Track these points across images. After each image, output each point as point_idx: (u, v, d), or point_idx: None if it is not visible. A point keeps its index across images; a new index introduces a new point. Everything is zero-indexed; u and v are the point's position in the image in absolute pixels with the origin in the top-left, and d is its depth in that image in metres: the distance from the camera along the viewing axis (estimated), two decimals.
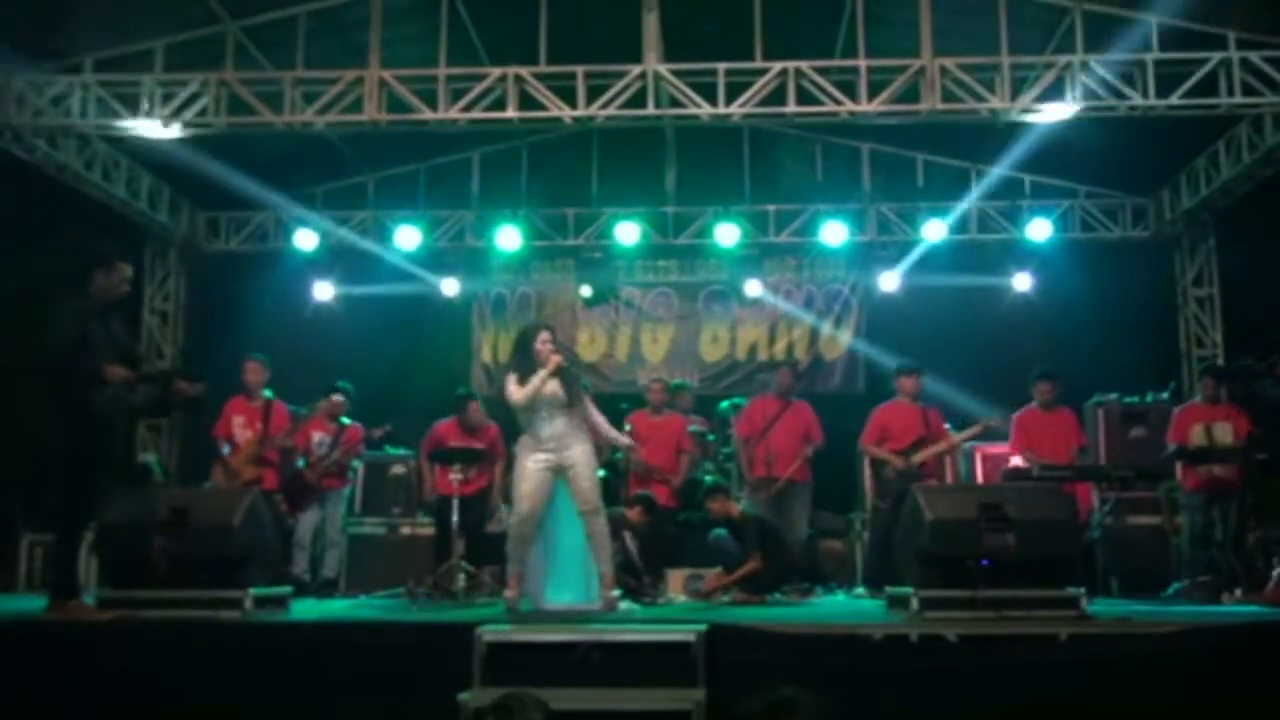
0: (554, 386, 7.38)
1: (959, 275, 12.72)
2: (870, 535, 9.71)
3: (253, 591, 6.64)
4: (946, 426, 9.48)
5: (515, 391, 7.37)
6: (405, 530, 10.47)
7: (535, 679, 5.62)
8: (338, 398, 10.08)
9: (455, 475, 8.94)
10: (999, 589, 6.29)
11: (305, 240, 12.75)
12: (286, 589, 7.37)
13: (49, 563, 8.29)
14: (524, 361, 7.49)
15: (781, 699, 4.20)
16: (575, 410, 7.44)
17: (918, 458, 9.20)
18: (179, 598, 6.53)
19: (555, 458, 7.36)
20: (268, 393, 9.69)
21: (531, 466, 7.34)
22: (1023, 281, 12.81)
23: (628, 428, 10.02)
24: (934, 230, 12.44)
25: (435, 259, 13.21)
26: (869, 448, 9.47)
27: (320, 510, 9.93)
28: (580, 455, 7.40)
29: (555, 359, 7.41)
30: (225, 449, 9.51)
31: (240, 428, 9.52)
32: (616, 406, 10.54)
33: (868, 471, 9.78)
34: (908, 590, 6.55)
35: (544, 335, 7.56)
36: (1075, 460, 9.39)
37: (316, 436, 9.99)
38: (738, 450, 10.14)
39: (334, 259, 13.19)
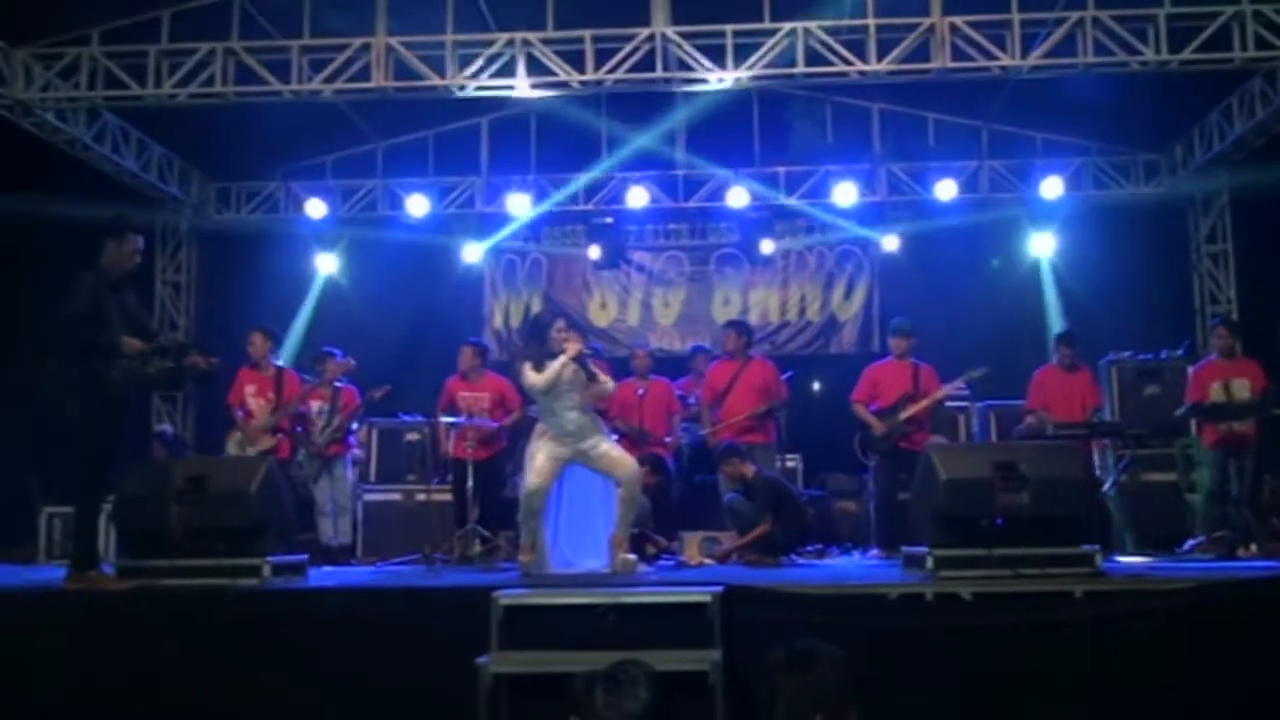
0: (573, 370, 7.42)
1: (971, 234, 12.67)
2: (876, 494, 9.74)
3: (270, 559, 6.68)
4: (946, 386, 9.50)
5: (535, 378, 7.37)
6: (420, 496, 10.53)
7: (552, 642, 5.66)
8: (337, 361, 10.07)
9: (469, 440, 8.97)
10: (1014, 547, 6.29)
11: (315, 209, 12.74)
12: (303, 556, 7.41)
13: (69, 534, 8.34)
14: (539, 349, 7.50)
15: (802, 649, 4.23)
16: (591, 397, 7.46)
17: (904, 414, 9.29)
18: (197, 566, 6.56)
19: (574, 447, 7.41)
20: (281, 362, 9.72)
21: (547, 452, 7.40)
22: (1042, 244, 12.75)
23: (640, 392, 10.08)
24: (945, 189, 12.37)
25: (445, 226, 13.20)
26: (856, 406, 9.59)
27: (329, 477, 9.96)
28: (602, 439, 7.47)
29: (575, 345, 7.44)
30: (240, 416, 9.57)
31: (253, 396, 9.57)
32: (629, 371, 10.58)
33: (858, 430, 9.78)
34: (923, 549, 6.56)
35: (560, 324, 7.60)
36: (1090, 420, 9.40)
37: (315, 405, 10.00)
38: (702, 416, 10.13)
39: (345, 228, 13.19)
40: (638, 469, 7.58)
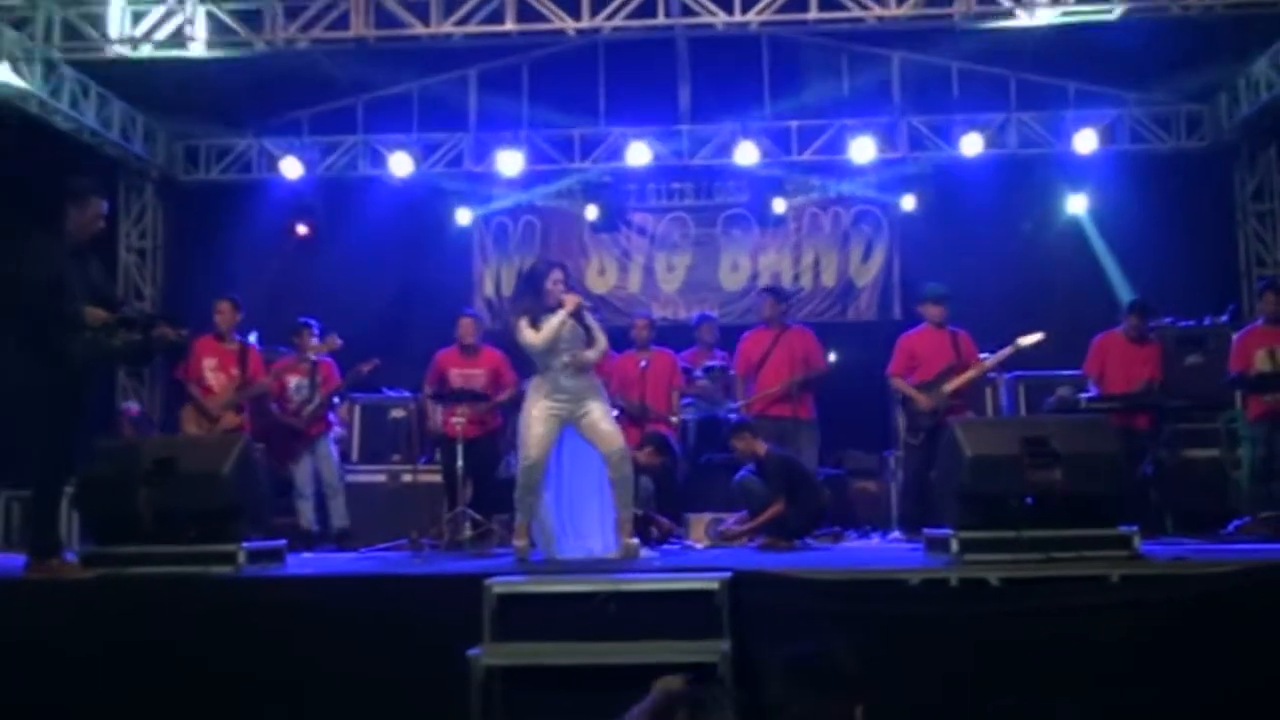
0: (571, 326, 7.43)
1: (999, 192, 12.63)
2: (903, 474, 9.74)
3: (245, 545, 6.69)
4: (984, 355, 9.48)
5: (530, 334, 7.38)
6: (407, 477, 10.54)
7: (549, 632, 5.68)
8: (320, 337, 10.05)
9: (458, 418, 8.98)
10: (1045, 529, 6.28)
11: (291, 169, 12.70)
12: (281, 542, 7.42)
13: (28, 520, 8.35)
14: (535, 303, 7.50)
15: (805, 654, 4.22)
16: (580, 361, 7.48)
17: (948, 387, 9.25)
18: (167, 553, 6.56)
19: (569, 408, 7.42)
20: (252, 337, 9.71)
21: (540, 412, 7.39)
22: (1077, 203, 12.71)
23: (643, 364, 10.09)
24: (970, 144, 12.32)
25: (431, 186, 13.17)
26: (895, 380, 9.54)
27: (311, 458, 9.97)
28: (596, 404, 7.48)
29: (573, 298, 7.44)
30: (196, 392, 9.57)
31: (212, 370, 9.59)
32: (629, 342, 10.58)
33: (901, 406, 9.77)
34: (947, 532, 6.56)
35: (556, 274, 7.59)
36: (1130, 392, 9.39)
37: (293, 381, 10.01)
38: (737, 390, 10.16)
39: (322, 188, 13.15)
40: (624, 446, 7.58)
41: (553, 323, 7.35)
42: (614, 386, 9.91)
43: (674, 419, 10.21)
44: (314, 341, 9.97)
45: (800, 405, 9.74)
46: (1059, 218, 12.87)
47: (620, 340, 9.92)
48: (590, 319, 7.64)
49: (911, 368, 9.46)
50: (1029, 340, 9.34)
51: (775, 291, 10.43)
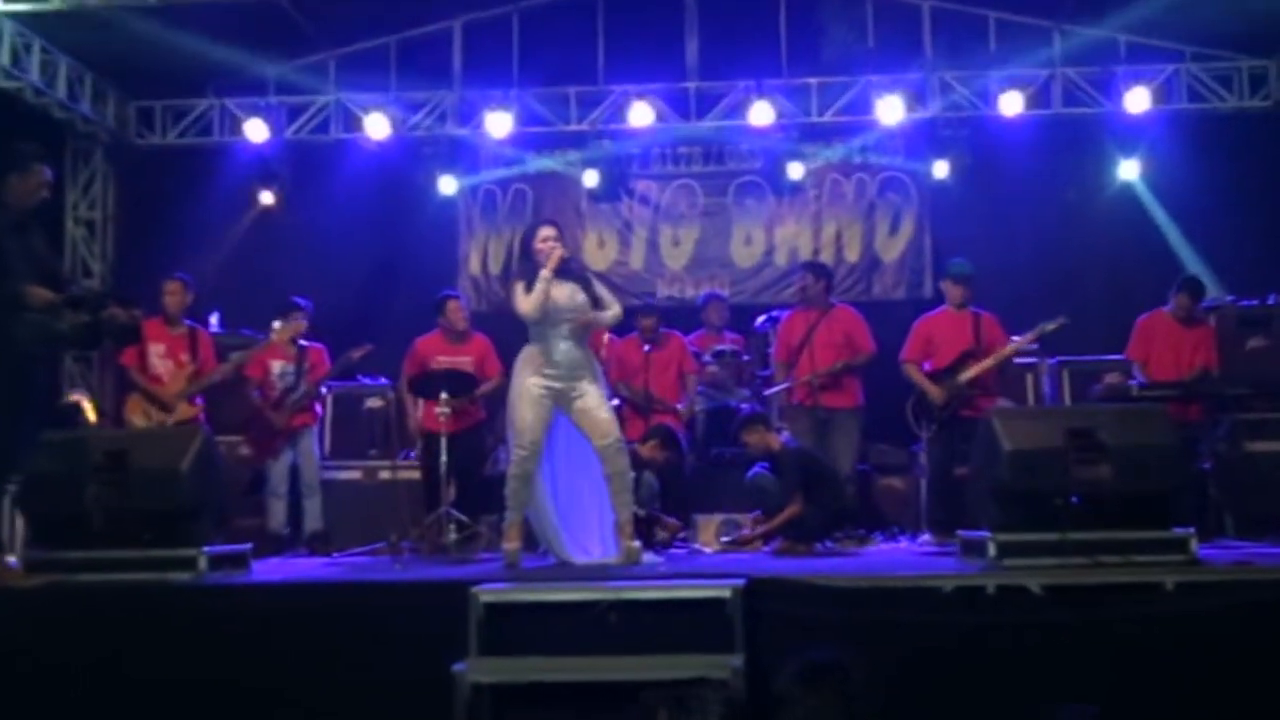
0: (570, 292, 7.45)
1: (1041, 157, 12.59)
2: (928, 469, 9.74)
3: (206, 549, 6.69)
4: (1015, 338, 9.47)
5: (523, 301, 7.42)
6: (385, 475, 10.52)
7: (542, 646, 5.69)
8: (299, 317, 10.07)
9: (442, 409, 8.97)
10: (1092, 530, 6.31)
11: (256, 132, 12.67)
12: (247, 545, 7.43)
13: None
14: (528, 266, 7.54)
15: (818, 665, 4.24)
16: (585, 324, 7.50)
17: (965, 376, 9.24)
18: (119, 558, 6.59)
19: (560, 385, 7.44)
20: (213, 319, 9.70)
21: (533, 390, 7.42)
22: (1128, 168, 12.67)
23: (647, 348, 10.10)
24: (1010, 103, 12.28)
25: (411, 151, 13.13)
26: (907, 367, 9.55)
27: (292, 453, 9.98)
28: (592, 387, 7.50)
29: (556, 253, 7.45)
30: (142, 380, 9.59)
31: (160, 357, 9.62)
32: (631, 323, 10.55)
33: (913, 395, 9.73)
34: (983, 534, 6.56)
35: (544, 232, 7.66)
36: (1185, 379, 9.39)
37: (277, 367, 10.03)
38: (775, 376, 10.19)
39: (290, 153, 13.12)
40: (620, 438, 7.62)
41: (538, 286, 7.38)
42: (615, 373, 9.91)
43: (682, 409, 10.19)
44: (275, 325, 9.92)
45: (843, 393, 9.74)
46: (1108, 185, 12.80)
47: (623, 323, 9.90)
48: (600, 287, 7.67)
49: (928, 353, 9.47)
50: (1051, 325, 9.36)
51: (815, 267, 10.42)
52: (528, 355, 7.56)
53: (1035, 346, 10.25)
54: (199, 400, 9.69)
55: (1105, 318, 9.85)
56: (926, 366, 9.47)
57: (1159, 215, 12.44)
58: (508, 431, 7.72)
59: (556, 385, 7.46)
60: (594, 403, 7.52)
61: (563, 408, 7.54)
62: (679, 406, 10.22)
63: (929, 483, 9.73)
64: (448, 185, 13.23)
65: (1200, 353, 9.61)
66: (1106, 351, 10.40)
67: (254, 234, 12.99)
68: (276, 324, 9.92)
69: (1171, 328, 9.66)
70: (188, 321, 9.86)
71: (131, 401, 9.67)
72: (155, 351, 9.61)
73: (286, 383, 10.01)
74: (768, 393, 10.29)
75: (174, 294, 9.73)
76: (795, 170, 13.05)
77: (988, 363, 9.35)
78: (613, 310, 7.72)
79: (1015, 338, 9.49)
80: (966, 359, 9.33)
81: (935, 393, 9.29)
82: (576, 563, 7.46)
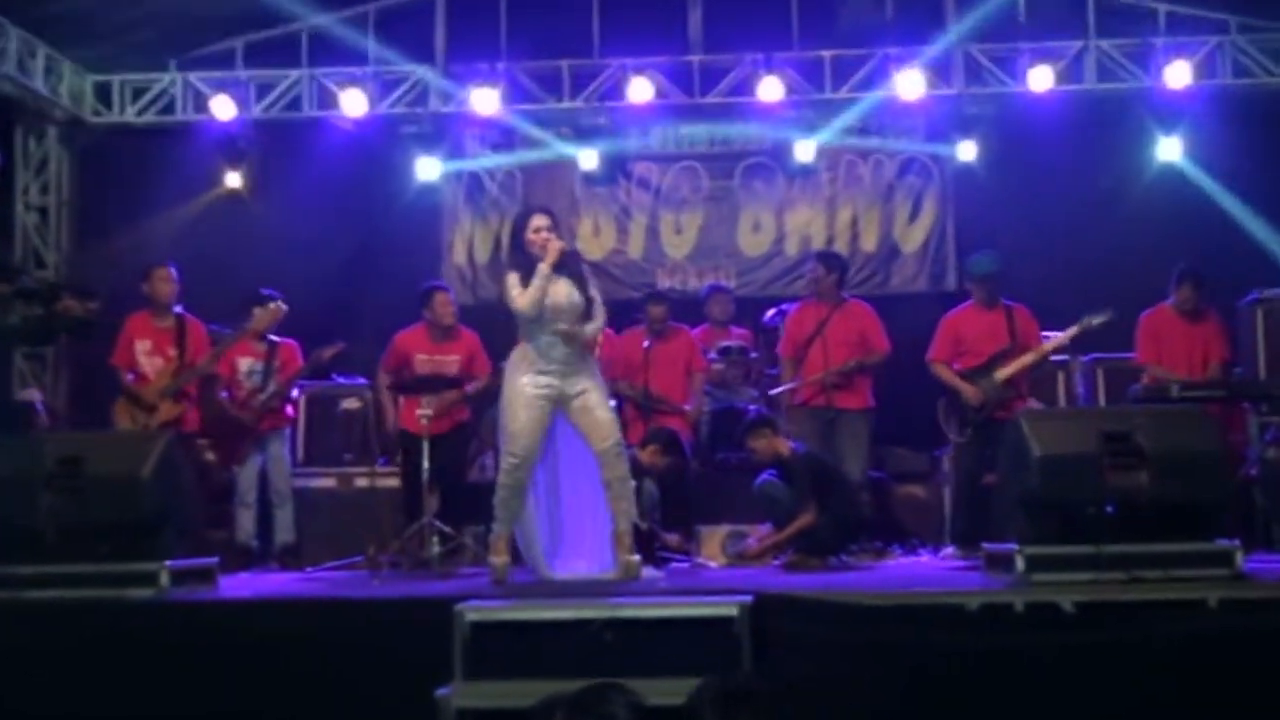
0: (566, 290, 7.45)
1: (1073, 137, 12.58)
2: (954, 478, 9.73)
3: (169, 564, 6.68)
4: (1048, 335, 9.47)
5: (520, 296, 7.41)
6: (361, 482, 10.53)
7: (532, 668, 5.69)
8: (274, 308, 9.99)
9: (424, 411, 8.97)
10: (1128, 543, 6.30)
11: (222, 109, 12.66)
12: (213, 559, 7.43)
13: None
14: (521, 258, 7.54)
15: (732, 690, 4.27)
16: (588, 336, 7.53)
17: (1000, 374, 9.24)
18: (74, 573, 6.58)
19: (558, 384, 7.45)
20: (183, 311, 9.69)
21: (528, 391, 7.42)
22: (1169, 148, 12.66)
23: (646, 344, 10.09)
24: (1040, 79, 12.28)
25: (390, 130, 13.12)
26: (937, 367, 9.55)
27: (261, 457, 9.97)
28: (591, 384, 7.51)
29: (555, 245, 7.45)
30: (129, 380, 9.55)
31: (146, 354, 9.57)
32: (630, 316, 10.56)
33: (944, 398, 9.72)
34: (1010, 547, 6.56)
35: (536, 221, 7.65)
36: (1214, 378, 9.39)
37: (244, 364, 9.99)
38: (782, 374, 10.18)
39: (260, 132, 13.11)
40: (620, 440, 7.63)
41: (535, 281, 7.38)
42: (617, 371, 9.89)
43: (689, 410, 10.18)
44: (255, 311, 9.81)
45: (854, 393, 9.73)
46: (1147, 167, 12.81)
47: (620, 316, 9.91)
48: (593, 288, 7.67)
49: (958, 352, 9.45)
50: (1097, 320, 9.33)
51: (827, 257, 10.42)
52: (520, 355, 7.55)
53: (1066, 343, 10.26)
54: (188, 400, 9.63)
55: (1142, 308, 9.82)
56: (957, 366, 9.44)
57: (1216, 196, 12.37)
58: (499, 436, 7.71)
59: (554, 385, 7.46)
60: (594, 401, 7.53)
61: (561, 408, 7.55)
62: (686, 408, 10.19)
63: (955, 491, 9.72)
64: (430, 167, 13.20)
65: (1215, 346, 9.63)
66: None
67: (220, 220, 12.96)
68: (256, 310, 9.87)
69: (1175, 323, 9.71)
70: (177, 310, 9.79)
71: (119, 406, 9.59)
72: (142, 349, 9.57)
73: (254, 382, 9.96)
74: (773, 392, 10.28)
75: (166, 280, 9.66)
76: (807, 151, 13.00)
77: (1027, 359, 9.33)
78: (596, 322, 7.71)
79: (1049, 333, 9.46)
80: (1001, 357, 9.32)
81: (972, 393, 9.26)
82: (563, 578, 7.45)
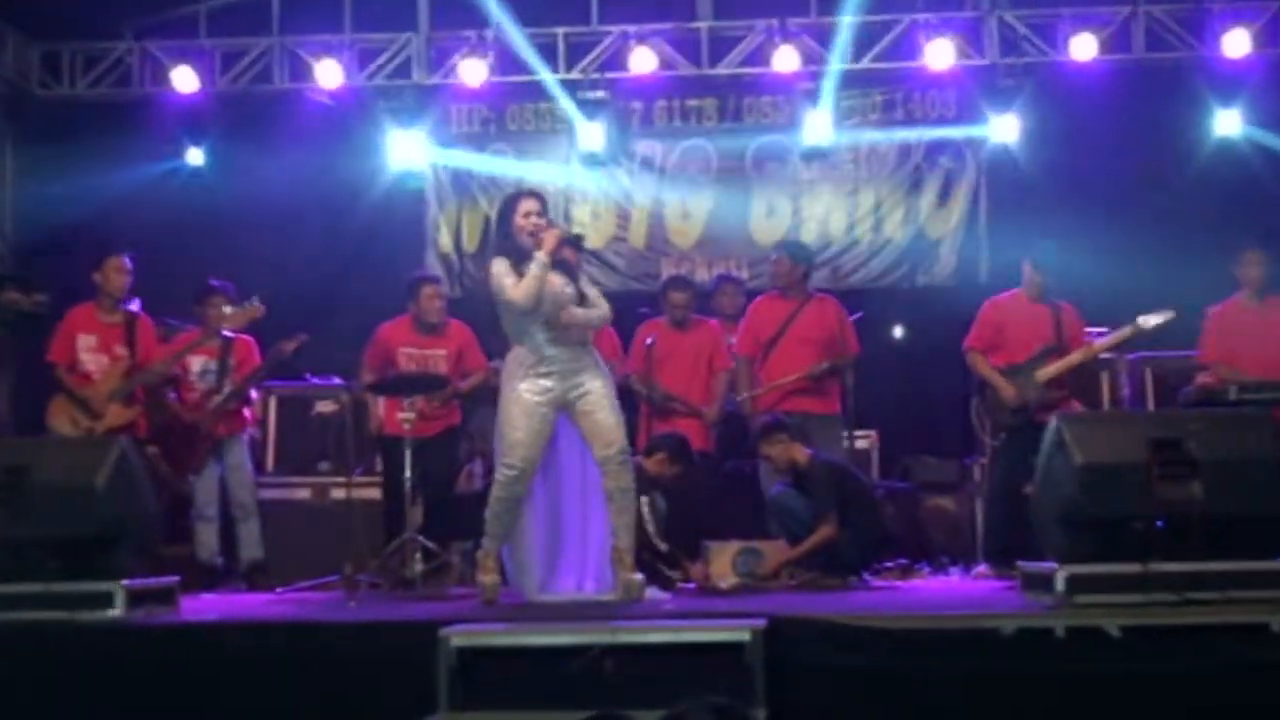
0: (560, 282, 7.45)
1: (1120, 111, 12.56)
2: (989, 487, 9.72)
3: (126, 583, 6.69)
4: (1094, 334, 9.47)
5: (514, 288, 7.39)
6: (337, 492, 10.52)
7: (525, 698, 5.69)
8: (250, 309, 9.93)
9: (406, 413, 8.97)
10: (1180, 561, 6.30)
11: (184, 81, 12.67)
12: (173, 578, 7.44)
13: None
14: (509, 245, 7.55)
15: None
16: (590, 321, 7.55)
17: (1043, 373, 9.21)
18: (21, 593, 6.59)
19: (560, 386, 7.44)
20: (134, 306, 9.66)
21: (528, 398, 7.41)
22: (1227, 122, 12.64)
23: (649, 340, 10.08)
24: (1083, 48, 12.28)
25: (369, 105, 13.11)
26: (974, 357, 9.54)
27: (219, 465, 9.96)
28: (596, 383, 7.50)
29: (552, 233, 7.44)
30: (69, 379, 9.52)
31: (90, 351, 9.52)
32: (633, 311, 10.54)
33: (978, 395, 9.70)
34: (1049, 565, 6.57)
35: (526, 205, 7.65)
36: None
37: (197, 363, 9.96)
38: (737, 376, 10.17)
39: (225, 107, 13.11)
40: (626, 446, 7.64)
41: (532, 270, 7.36)
42: (632, 365, 9.88)
43: (708, 413, 10.16)
44: (226, 310, 9.83)
45: (822, 396, 9.75)
46: (1203, 144, 12.77)
47: (622, 311, 9.89)
48: (585, 282, 7.68)
49: (997, 344, 9.42)
50: (1154, 320, 9.30)
51: (792, 248, 10.41)
52: (516, 358, 7.54)
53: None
54: (138, 405, 9.61)
55: (1198, 305, 9.80)
56: (995, 361, 9.41)
57: None
58: (495, 444, 7.68)
59: (555, 387, 7.46)
60: (597, 402, 7.53)
61: (564, 410, 7.55)
62: (705, 410, 10.14)
63: (989, 502, 9.67)
64: (413, 145, 13.22)
65: None
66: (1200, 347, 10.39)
67: (181, 203, 12.92)
68: (227, 309, 9.82)
69: (1250, 314, 9.53)
70: (125, 306, 9.75)
71: (55, 404, 9.53)
72: (84, 345, 9.51)
73: (208, 382, 9.93)
74: (739, 399, 10.17)
75: (120, 271, 9.62)
76: (826, 128, 13.00)
77: (1074, 359, 9.30)
78: (599, 310, 7.72)
79: (1096, 331, 9.42)
80: (1045, 355, 9.29)
81: (1009, 391, 9.23)
82: (559, 599, 7.46)
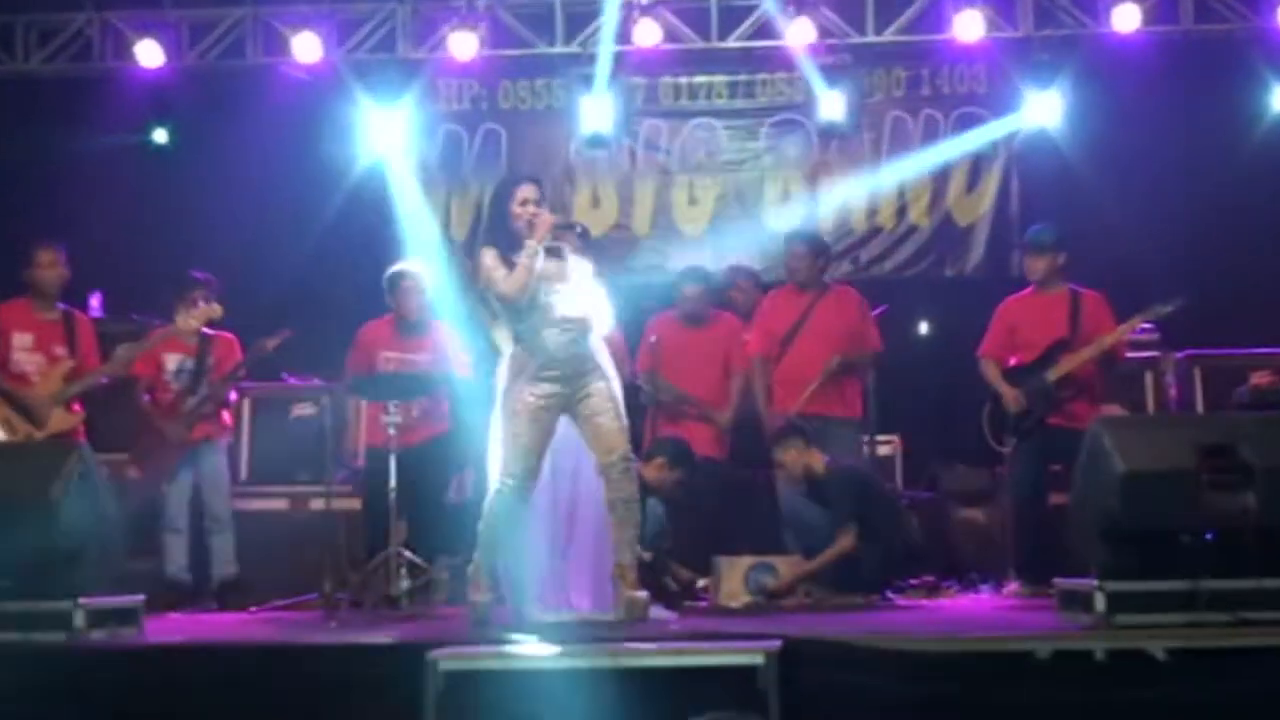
0: (556, 268, 7.45)
1: (1166, 87, 12.54)
2: (1013, 496, 9.70)
3: (85, 601, 6.69)
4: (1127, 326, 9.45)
5: (502, 279, 7.39)
6: (317, 504, 10.48)
7: None
8: (206, 296, 9.93)
9: (389, 417, 8.97)
10: (1233, 578, 6.29)
11: (149, 55, 12.66)
12: (138, 597, 7.43)
13: None
14: (502, 236, 7.53)
15: None
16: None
17: (1054, 373, 9.20)
18: None
19: (564, 389, 7.43)
20: (94, 300, 9.65)
21: (529, 402, 7.40)
22: None
23: (652, 338, 10.06)
24: (1125, 18, 12.28)
25: (351, 81, 13.09)
26: (985, 363, 9.59)
27: (193, 473, 9.96)
28: (600, 385, 7.49)
29: (545, 219, 7.44)
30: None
31: (26, 350, 9.47)
32: (636, 305, 10.52)
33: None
34: (1088, 582, 6.56)
35: (522, 192, 7.63)
36: None
37: (172, 361, 9.96)
38: (754, 379, 10.16)
39: (194, 84, 13.11)
40: (629, 454, 7.62)
41: (522, 260, 7.37)
42: (644, 361, 9.88)
43: (721, 418, 10.12)
44: (184, 311, 9.79)
45: (840, 398, 9.72)
46: (1258, 122, 12.76)
47: (625, 305, 9.88)
48: (600, 294, 7.68)
49: (1012, 345, 9.42)
50: (1166, 307, 9.31)
51: (808, 239, 10.41)
52: (515, 360, 7.53)
53: (1155, 335, 10.23)
54: (78, 406, 9.59)
55: (1252, 299, 9.80)
56: (1011, 362, 9.43)
57: None
58: (489, 455, 7.66)
59: (559, 390, 7.45)
60: (600, 406, 7.52)
61: (568, 414, 7.56)
62: (717, 415, 10.11)
63: (1011, 513, 9.66)
64: (398, 124, 13.21)
65: None
66: (1254, 343, 10.38)
67: (146, 188, 12.97)
68: (181, 311, 9.79)
69: None
70: (61, 305, 9.72)
71: None
72: (20, 343, 9.45)
73: (184, 382, 9.93)
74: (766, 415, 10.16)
75: (50, 265, 9.54)
76: (845, 106, 12.99)
77: (1084, 354, 9.28)
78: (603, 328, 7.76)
79: (1120, 327, 9.44)
80: (1058, 351, 9.28)
81: (1009, 396, 9.27)
82: (557, 619, 7.46)
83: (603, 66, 12.46)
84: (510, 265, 7.39)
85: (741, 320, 10.85)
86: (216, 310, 9.80)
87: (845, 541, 8.55)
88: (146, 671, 6.31)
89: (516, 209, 7.53)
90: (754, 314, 10.97)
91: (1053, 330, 9.41)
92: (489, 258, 7.48)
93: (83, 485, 6.97)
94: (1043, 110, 12.65)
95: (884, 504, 8.90)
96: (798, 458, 8.90)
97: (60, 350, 9.50)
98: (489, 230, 7.75)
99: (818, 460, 8.90)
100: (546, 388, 7.43)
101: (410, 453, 9.21)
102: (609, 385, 7.61)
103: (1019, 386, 9.30)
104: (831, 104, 12.80)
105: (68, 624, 6.60)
